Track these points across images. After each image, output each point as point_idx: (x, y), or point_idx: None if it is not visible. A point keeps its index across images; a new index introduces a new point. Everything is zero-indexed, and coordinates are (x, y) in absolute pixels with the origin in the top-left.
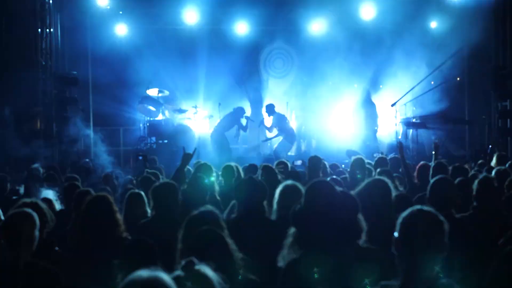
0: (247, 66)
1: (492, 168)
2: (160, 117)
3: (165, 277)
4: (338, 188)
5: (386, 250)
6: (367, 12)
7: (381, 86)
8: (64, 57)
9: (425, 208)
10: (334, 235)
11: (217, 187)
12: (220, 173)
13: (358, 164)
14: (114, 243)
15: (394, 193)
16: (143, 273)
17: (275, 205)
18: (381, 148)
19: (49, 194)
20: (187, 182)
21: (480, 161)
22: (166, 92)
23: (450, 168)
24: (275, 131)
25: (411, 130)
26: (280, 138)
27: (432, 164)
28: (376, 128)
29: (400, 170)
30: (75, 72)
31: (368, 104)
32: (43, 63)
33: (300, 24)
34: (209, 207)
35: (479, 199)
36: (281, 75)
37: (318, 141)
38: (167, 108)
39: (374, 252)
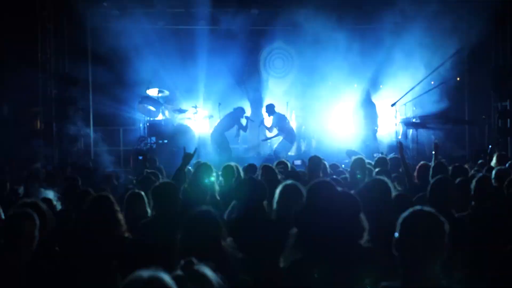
0: (247, 66)
1: (492, 168)
2: (160, 117)
3: (166, 277)
4: (339, 188)
5: (386, 250)
6: (367, 12)
7: (381, 86)
8: (64, 57)
9: (425, 208)
10: (336, 235)
11: (217, 187)
12: (220, 173)
13: (358, 164)
14: (116, 243)
15: (394, 193)
16: (144, 273)
17: (275, 205)
18: (381, 148)
19: (49, 194)
20: (187, 182)
21: (480, 161)
22: (166, 92)
23: (450, 168)
24: (275, 131)
25: (411, 130)
26: (280, 138)
27: (432, 164)
28: (376, 128)
29: (400, 170)
30: (75, 72)
31: (368, 104)
32: (43, 63)
33: (300, 24)
34: (205, 207)
35: (477, 199)
36: (281, 75)
37: (318, 141)
38: (167, 108)
39: (376, 252)
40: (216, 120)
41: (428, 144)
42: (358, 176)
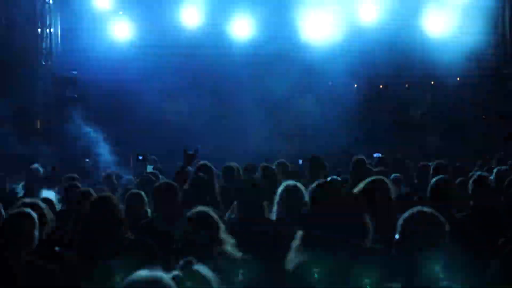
0: (247, 66)
1: (492, 168)
2: None
3: (165, 277)
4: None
5: (387, 250)
6: (367, 12)
7: (381, 86)
8: (64, 57)
9: (426, 209)
10: (341, 236)
11: (217, 187)
12: (220, 173)
13: (359, 164)
14: (118, 243)
15: (393, 192)
16: (144, 273)
17: (275, 205)
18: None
19: (50, 195)
20: (188, 182)
21: (480, 161)
22: None
23: (450, 168)
24: None
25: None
26: None
27: (432, 164)
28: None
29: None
30: (75, 72)
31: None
32: (43, 63)
33: (300, 24)
34: (202, 207)
35: (475, 198)
36: None
37: (318, 141)
38: None
39: (380, 252)
40: None
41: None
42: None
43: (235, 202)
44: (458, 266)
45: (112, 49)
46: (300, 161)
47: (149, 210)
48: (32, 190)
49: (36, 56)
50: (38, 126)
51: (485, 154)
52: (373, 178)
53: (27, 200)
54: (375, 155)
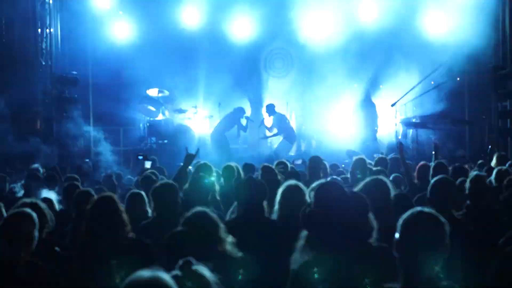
0: (247, 66)
1: (492, 168)
2: (160, 117)
3: (166, 277)
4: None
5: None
6: (367, 12)
7: (381, 86)
8: (64, 57)
9: (426, 209)
10: (346, 235)
11: (217, 187)
12: (220, 173)
13: (359, 164)
14: (119, 243)
15: (393, 192)
16: (144, 273)
17: (276, 205)
18: (381, 148)
19: (51, 195)
20: (188, 183)
21: (480, 161)
22: (166, 92)
23: (450, 168)
24: (275, 131)
25: (411, 130)
26: (280, 138)
27: (432, 164)
28: (376, 128)
29: (400, 170)
30: (75, 72)
31: (368, 104)
32: (43, 63)
33: (300, 24)
34: (201, 208)
35: (472, 198)
36: (281, 75)
37: (318, 141)
38: (167, 108)
39: (385, 250)
40: (216, 120)
41: (428, 144)
42: (359, 176)
43: (235, 202)
44: (458, 266)
45: (112, 49)
46: (300, 161)
47: (149, 210)
48: (32, 190)
49: (36, 56)
50: (38, 126)
51: (485, 154)
52: (372, 177)
53: (27, 200)
54: (375, 155)
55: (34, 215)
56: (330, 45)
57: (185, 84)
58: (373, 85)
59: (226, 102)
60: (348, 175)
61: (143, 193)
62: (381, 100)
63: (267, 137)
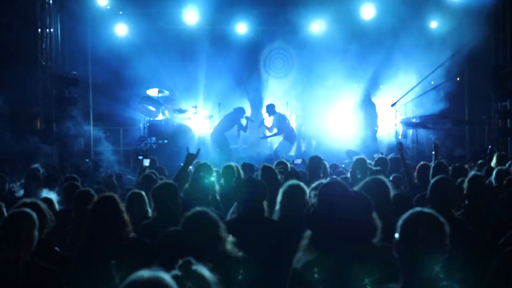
0: (247, 66)
1: (492, 168)
2: (160, 117)
3: (166, 277)
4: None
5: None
6: (367, 12)
7: (381, 86)
8: (64, 57)
9: (426, 210)
10: (350, 235)
11: (217, 187)
12: (220, 172)
13: (359, 164)
14: (119, 243)
15: (392, 192)
16: (144, 273)
17: (278, 205)
18: (381, 148)
19: (52, 196)
20: (188, 183)
21: (480, 161)
22: (166, 92)
23: (450, 168)
24: (275, 131)
25: (411, 130)
26: (280, 138)
27: (432, 164)
28: (376, 128)
29: (400, 170)
30: (75, 72)
31: (368, 104)
32: (43, 63)
33: (300, 24)
34: (201, 208)
35: (470, 198)
36: (281, 75)
37: (318, 141)
38: (167, 108)
39: (389, 250)
40: (216, 120)
41: (428, 144)
42: (359, 176)
43: (236, 202)
44: (458, 266)
45: (112, 49)
46: (300, 160)
47: (149, 210)
48: (32, 190)
49: (36, 56)
50: (38, 126)
51: (485, 154)
52: (372, 177)
53: (27, 200)
54: (375, 155)
55: (34, 215)
56: (330, 45)
57: (185, 84)
58: (373, 85)
59: (226, 102)
60: (348, 175)
61: (143, 193)
62: (381, 100)
63: (267, 137)
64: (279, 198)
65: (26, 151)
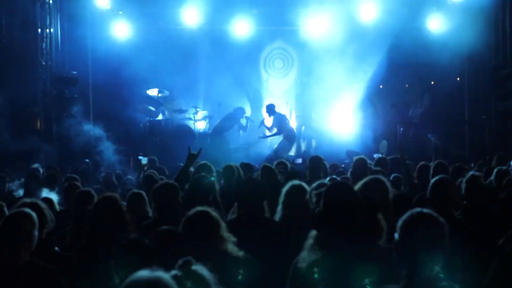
0: (247, 66)
1: (492, 168)
2: (160, 117)
3: (166, 277)
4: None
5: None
6: (367, 13)
7: (381, 86)
8: (64, 57)
9: (425, 210)
10: (355, 236)
11: (217, 188)
12: (220, 172)
13: (359, 164)
14: (119, 243)
15: (391, 192)
16: (144, 273)
17: (280, 205)
18: (381, 148)
19: (52, 196)
20: (189, 183)
21: (480, 161)
22: (166, 92)
23: (450, 168)
24: (275, 131)
25: (410, 131)
26: (281, 138)
27: (432, 164)
28: (376, 128)
29: (400, 170)
30: (75, 72)
31: (368, 104)
32: (43, 63)
33: (300, 24)
34: (201, 208)
35: (468, 198)
36: (281, 75)
37: (318, 141)
38: (167, 108)
39: (389, 250)
40: (216, 120)
41: (428, 144)
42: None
43: (236, 202)
44: (458, 266)
45: (112, 49)
46: (300, 160)
47: (149, 210)
48: (32, 190)
49: (36, 56)
50: (38, 126)
51: (485, 154)
52: (371, 177)
53: (27, 200)
54: (375, 155)
55: (34, 215)
56: (330, 45)
57: (185, 84)
58: (372, 85)
59: (226, 102)
60: (348, 175)
61: (143, 193)
62: (381, 100)
63: (267, 137)
64: (281, 198)
65: (26, 151)
